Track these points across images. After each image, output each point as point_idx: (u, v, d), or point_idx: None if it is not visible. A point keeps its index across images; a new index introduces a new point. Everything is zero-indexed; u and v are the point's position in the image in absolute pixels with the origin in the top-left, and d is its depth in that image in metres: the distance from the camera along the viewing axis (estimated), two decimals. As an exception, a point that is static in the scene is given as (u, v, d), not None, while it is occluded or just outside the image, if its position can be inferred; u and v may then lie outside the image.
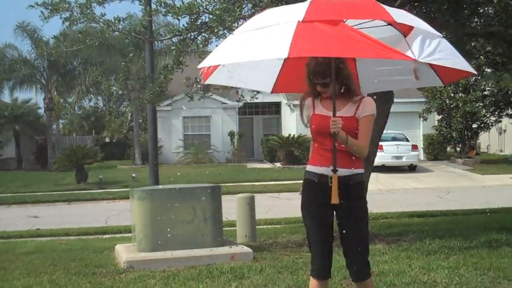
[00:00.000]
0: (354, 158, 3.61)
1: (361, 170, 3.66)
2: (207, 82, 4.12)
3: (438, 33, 3.49)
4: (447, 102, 25.61)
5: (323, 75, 3.59)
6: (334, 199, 3.44)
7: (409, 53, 3.19)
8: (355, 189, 3.62)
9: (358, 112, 3.63)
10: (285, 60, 3.90)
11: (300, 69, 3.73)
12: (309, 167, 3.71)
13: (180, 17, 7.73)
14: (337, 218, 3.67)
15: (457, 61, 3.47)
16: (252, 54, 3.32)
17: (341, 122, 3.46)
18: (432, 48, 3.31)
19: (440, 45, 3.38)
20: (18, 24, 30.36)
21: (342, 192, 3.55)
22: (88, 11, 7.74)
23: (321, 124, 3.61)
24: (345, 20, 3.37)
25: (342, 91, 3.64)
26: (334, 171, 3.48)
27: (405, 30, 3.44)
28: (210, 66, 3.68)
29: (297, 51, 3.03)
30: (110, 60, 29.44)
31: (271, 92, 4.19)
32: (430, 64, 3.60)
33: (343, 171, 3.56)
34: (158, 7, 7.87)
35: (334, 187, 3.45)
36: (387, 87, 4.91)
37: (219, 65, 3.73)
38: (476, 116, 25.64)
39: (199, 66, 3.67)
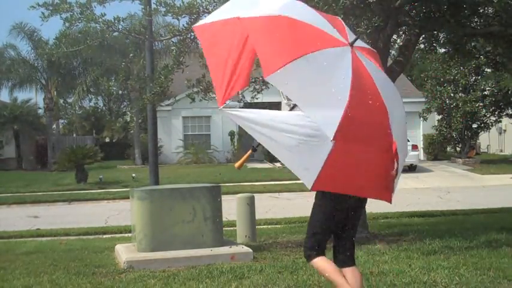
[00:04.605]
0: None
1: None
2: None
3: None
4: (447, 102, 25.55)
5: None
6: (238, 163, 3.61)
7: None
8: None
9: None
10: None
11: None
12: None
13: (179, 17, 7.72)
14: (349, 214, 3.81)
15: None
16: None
17: None
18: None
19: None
20: (15, 25, 30.33)
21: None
22: (88, 11, 7.72)
23: None
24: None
25: None
26: (254, 149, 3.69)
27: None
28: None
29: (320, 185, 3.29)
30: (110, 60, 29.43)
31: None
32: None
33: None
34: (158, 6, 7.85)
35: (246, 156, 3.62)
36: None
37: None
38: (476, 116, 25.61)
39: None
